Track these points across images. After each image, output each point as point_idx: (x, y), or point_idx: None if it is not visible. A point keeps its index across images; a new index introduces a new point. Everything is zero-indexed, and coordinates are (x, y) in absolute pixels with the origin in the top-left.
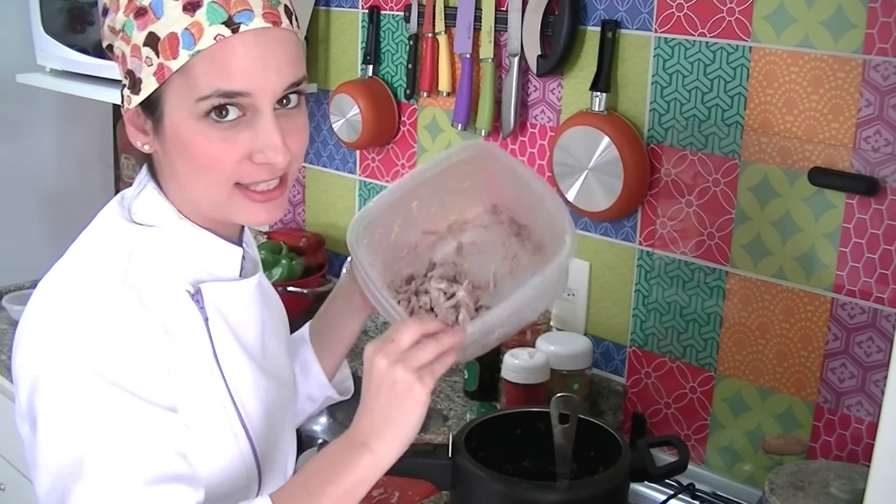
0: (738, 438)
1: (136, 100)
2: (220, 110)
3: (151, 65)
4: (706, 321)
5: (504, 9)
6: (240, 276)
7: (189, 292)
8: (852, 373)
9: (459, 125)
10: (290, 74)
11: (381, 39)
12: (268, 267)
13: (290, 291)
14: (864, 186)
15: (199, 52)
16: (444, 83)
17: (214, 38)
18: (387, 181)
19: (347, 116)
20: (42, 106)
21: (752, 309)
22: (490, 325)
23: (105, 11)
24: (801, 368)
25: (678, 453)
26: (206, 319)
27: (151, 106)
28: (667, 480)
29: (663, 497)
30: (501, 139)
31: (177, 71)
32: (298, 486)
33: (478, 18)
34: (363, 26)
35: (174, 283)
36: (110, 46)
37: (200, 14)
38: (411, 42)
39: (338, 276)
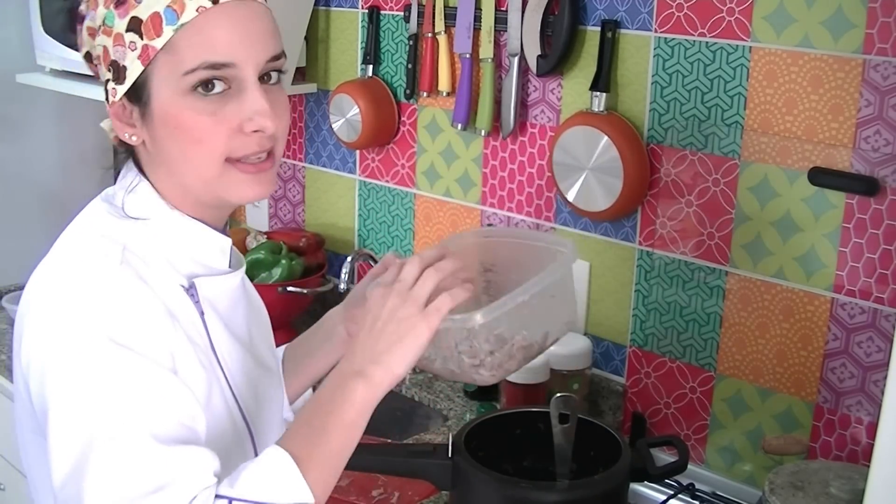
0: (737, 438)
1: (122, 89)
2: (207, 84)
3: (135, 48)
4: (706, 321)
5: (504, 9)
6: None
7: (183, 287)
8: (852, 373)
9: (459, 125)
10: (272, 46)
11: (381, 39)
12: (268, 267)
13: (289, 291)
14: (864, 186)
15: (182, 25)
16: (443, 83)
17: (196, 10)
18: (387, 181)
19: (347, 116)
20: (42, 106)
21: (751, 309)
22: (498, 310)
23: (82, 18)
24: (800, 368)
25: (678, 453)
26: (202, 314)
27: (137, 92)
28: (667, 480)
29: (663, 497)
30: (501, 139)
31: (161, 49)
32: (303, 426)
33: (478, 18)
34: (363, 26)
35: (169, 278)
36: (88, 55)
37: None
38: (411, 42)
39: (337, 275)
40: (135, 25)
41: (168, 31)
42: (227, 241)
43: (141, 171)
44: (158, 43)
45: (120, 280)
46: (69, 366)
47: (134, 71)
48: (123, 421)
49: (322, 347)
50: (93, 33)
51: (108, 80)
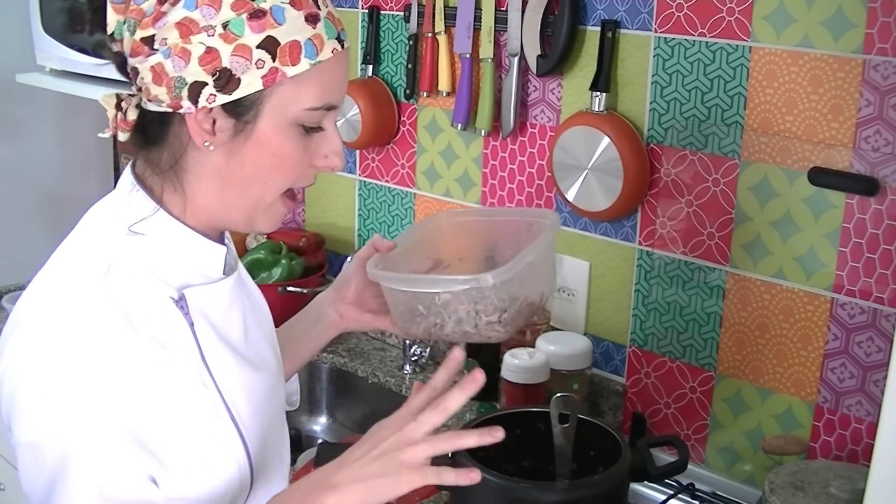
0: (737, 438)
1: (224, 98)
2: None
3: (262, 67)
4: (706, 321)
5: (504, 9)
6: (223, 272)
7: (173, 299)
8: (852, 373)
9: (459, 125)
10: None
11: (381, 39)
12: (268, 267)
13: (289, 291)
14: (864, 186)
15: (319, 62)
16: (443, 83)
17: (332, 52)
18: (386, 181)
19: (347, 116)
20: (42, 106)
21: (751, 309)
22: (511, 271)
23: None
24: (800, 368)
25: (678, 453)
26: (192, 325)
27: (242, 108)
28: (667, 480)
29: (663, 497)
30: (501, 139)
31: (290, 77)
32: None
33: (478, 18)
34: (363, 26)
35: (157, 292)
36: (151, 38)
37: (320, 27)
38: (411, 42)
39: (337, 275)
40: (270, 45)
41: (305, 64)
42: (223, 250)
43: (137, 176)
44: (291, 71)
45: (100, 327)
46: (34, 408)
47: (250, 87)
48: (78, 474)
49: (310, 332)
50: (190, 25)
51: (203, 84)
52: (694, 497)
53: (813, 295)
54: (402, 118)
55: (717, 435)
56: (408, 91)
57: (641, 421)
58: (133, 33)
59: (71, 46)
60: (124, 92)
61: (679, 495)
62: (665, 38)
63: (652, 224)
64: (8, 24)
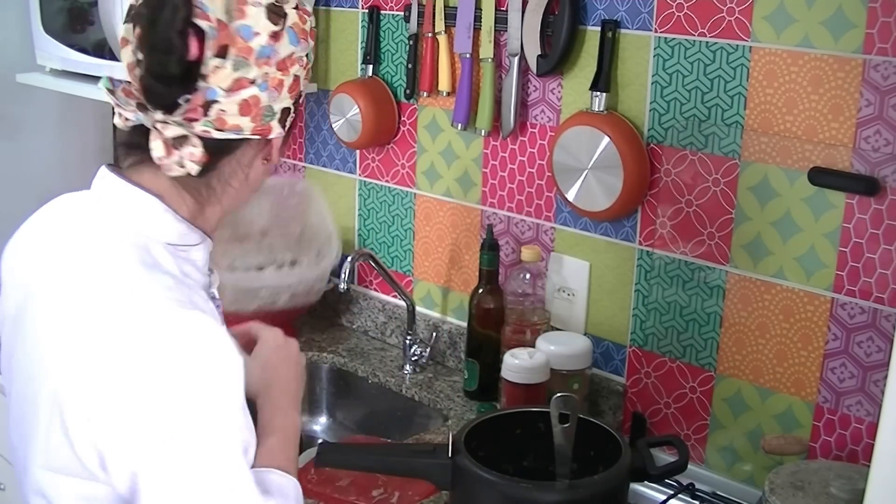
0: (737, 438)
1: (290, 121)
2: None
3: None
4: (706, 321)
5: (504, 9)
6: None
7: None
8: (852, 373)
9: (459, 125)
10: None
11: (381, 39)
12: None
13: None
14: (864, 186)
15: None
16: (444, 83)
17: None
18: (387, 181)
19: (347, 116)
20: (42, 106)
21: (751, 309)
22: None
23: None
24: (800, 368)
25: (678, 453)
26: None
27: (289, 125)
28: (667, 480)
29: (663, 497)
30: (501, 139)
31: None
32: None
33: (478, 18)
34: (363, 26)
35: (212, 308)
36: (256, 74)
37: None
38: (411, 42)
39: (337, 275)
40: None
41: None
42: (210, 244)
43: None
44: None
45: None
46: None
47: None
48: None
49: None
50: (287, 63)
51: (289, 109)
52: (694, 497)
53: (813, 295)
54: (403, 118)
55: (717, 435)
56: (408, 91)
57: (641, 421)
58: (237, 69)
59: (71, 46)
60: (160, 114)
61: (679, 495)
62: (665, 38)
63: (652, 224)
64: (8, 24)
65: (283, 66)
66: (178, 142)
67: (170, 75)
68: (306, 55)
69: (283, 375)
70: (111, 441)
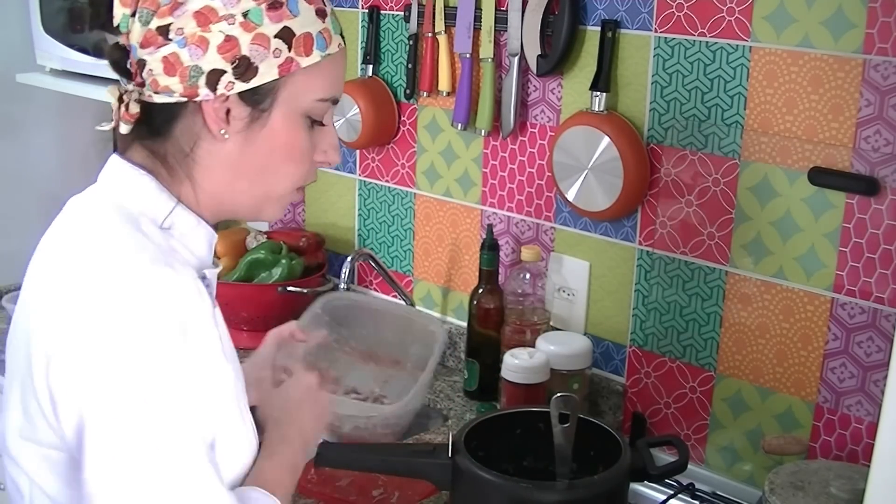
0: (737, 438)
1: (242, 87)
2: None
3: (279, 56)
4: (706, 321)
5: (504, 8)
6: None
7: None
8: (852, 373)
9: (459, 125)
10: None
11: (381, 39)
12: (268, 267)
13: (289, 291)
14: (864, 186)
15: (329, 55)
16: (443, 83)
17: (338, 47)
18: (387, 181)
19: (347, 116)
20: (42, 106)
21: (751, 309)
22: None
23: None
24: (800, 368)
25: (678, 453)
26: (214, 307)
27: (259, 96)
28: (667, 480)
29: (663, 497)
30: (501, 139)
31: (303, 68)
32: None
33: (478, 18)
34: (363, 26)
35: (193, 277)
36: (167, 27)
37: (328, 22)
38: (411, 42)
39: (337, 275)
40: (286, 35)
41: (316, 56)
42: (215, 236)
43: (139, 166)
44: (304, 62)
45: (175, 304)
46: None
47: (267, 76)
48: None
49: None
50: (209, 15)
51: (221, 72)
52: (694, 497)
53: (813, 295)
54: (403, 118)
55: (717, 435)
56: (408, 91)
57: (641, 421)
58: (147, 23)
59: (71, 46)
60: (129, 85)
61: (679, 495)
62: (665, 38)
63: (652, 224)
64: (8, 24)
65: (202, 21)
66: (128, 105)
67: (104, 40)
68: (244, 14)
69: (302, 414)
70: (63, 381)
